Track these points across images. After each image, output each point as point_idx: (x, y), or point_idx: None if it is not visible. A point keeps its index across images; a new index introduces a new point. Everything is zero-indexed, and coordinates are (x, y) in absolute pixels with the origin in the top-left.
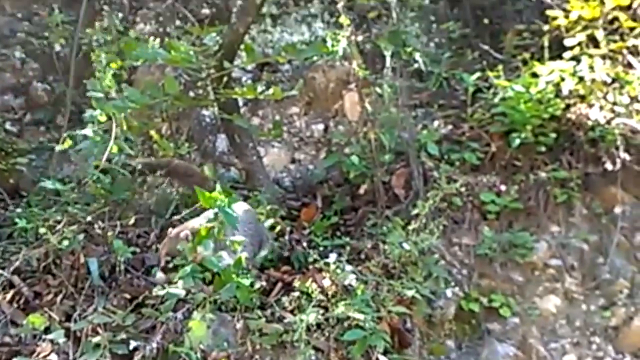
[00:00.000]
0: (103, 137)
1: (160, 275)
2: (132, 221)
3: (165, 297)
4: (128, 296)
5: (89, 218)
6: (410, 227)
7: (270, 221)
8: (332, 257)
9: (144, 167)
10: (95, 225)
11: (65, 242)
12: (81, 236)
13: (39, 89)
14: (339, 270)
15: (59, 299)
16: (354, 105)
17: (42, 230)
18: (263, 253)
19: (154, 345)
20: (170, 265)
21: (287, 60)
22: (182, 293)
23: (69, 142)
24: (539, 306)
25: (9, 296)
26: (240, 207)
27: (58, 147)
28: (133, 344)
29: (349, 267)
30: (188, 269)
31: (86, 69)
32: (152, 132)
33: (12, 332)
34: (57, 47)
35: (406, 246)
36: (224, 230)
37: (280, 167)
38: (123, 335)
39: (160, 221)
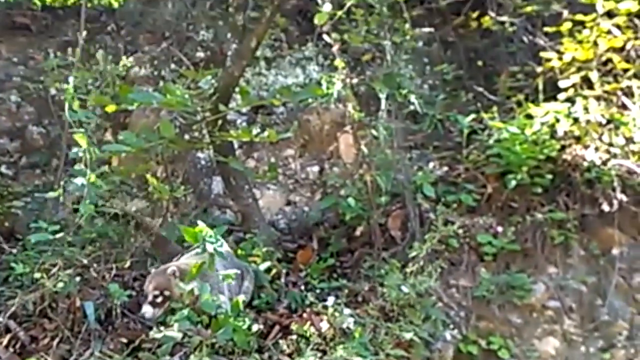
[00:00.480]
0: (96, 181)
1: (148, 308)
2: (127, 264)
3: (162, 341)
4: (125, 340)
5: (84, 261)
6: (407, 270)
7: (267, 264)
8: (331, 300)
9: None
10: (91, 269)
11: (61, 285)
12: (77, 279)
13: (35, 133)
14: (337, 313)
15: (55, 342)
16: (349, 147)
17: (37, 275)
18: (246, 284)
19: None
20: (159, 300)
21: (282, 102)
22: (179, 336)
23: (60, 191)
24: (537, 348)
25: (5, 341)
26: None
27: (50, 194)
28: None
29: (347, 310)
30: (185, 312)
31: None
32: (148, 176)
33: None
34: (53, 91)
35: (404, 289)
36: (213, 265)
37: (276, 210)
38: None
39: (156, 264)
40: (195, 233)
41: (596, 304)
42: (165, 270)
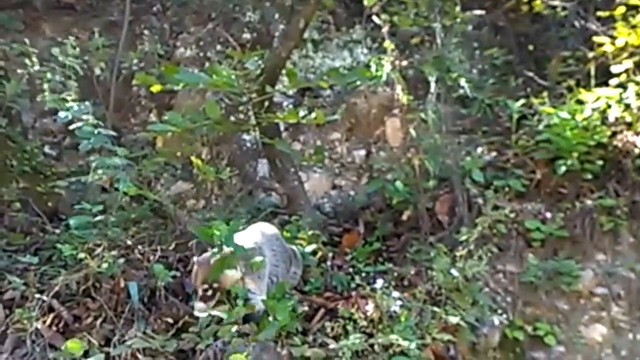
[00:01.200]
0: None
1: (200, 305)
2: (172, 246)
3: (206, 322)
4: (170, 320)
5: (128, 242)
6: (457, 254)
7: (313, 246)
8: (379, 282)
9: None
10: (135, 250)
11: (105, 266)
12: (121, 260)
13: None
14: (384, 296)
15: (98, 322)
16: (396, 132)
17: (81, 255)
18: (293, 269)
19: None
20: (209, 293)
21: (329, 85)
22: (224, 316)
23: (98, 173)
24: (584, 335)
25: (48, 320)
26: (262, 228)
27: (89, 178)
28: None
29: (395, 293)
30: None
31: (126, 92)
32: (193, 157)
33: (51, 356)
34: (97, 71)
35: (454, 272)
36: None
37: (321, 193)
38: None
39: (200, 245)
40: (208, 232)
41: None
42: (210, 260)
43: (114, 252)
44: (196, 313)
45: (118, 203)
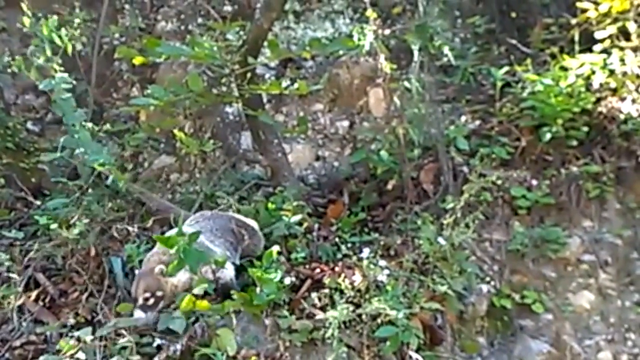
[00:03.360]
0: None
1: (139, 314)
2: (149, 223)
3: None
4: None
5: (110, 217)
6: (444, 222)
7: (298, 217)
8: (366, 251)
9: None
10: (115, 225)
11: (76, 232)
12: (99, 233)
13: (54, 108)
14: (371, 266)
15: (84, 297)
16: (379, 102)
17: (53, 226)
18: (245, 243)
19: (178, 347)
20: (150, 302)
21: (311, 56)
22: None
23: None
24: (572, 302)
25: (34, 295)
26: (206, 216)
27: (51, 155)
28: (158, 341)
29: (382, 262)
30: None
31: (108, 67)
32: (176, 130)
33: (38, 331)
34: (78, 46)
35: (441, 241)
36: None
37: (305, 165)
38: (149, 339)
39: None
40: (168, 240)
41: (632, 258)
42: (152, 270)
43: (86, 221)
44: (140, 324)
45: (90, 179)
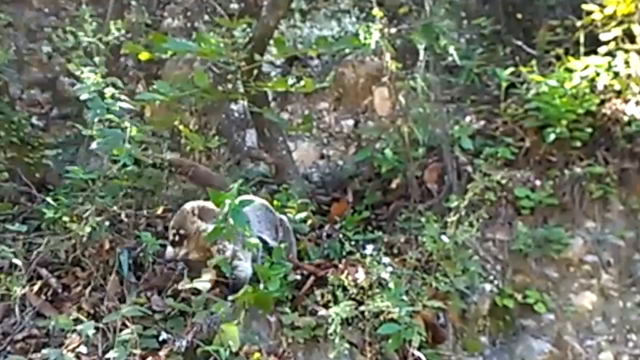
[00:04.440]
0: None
1: (169, 249)
2: (159, 211)
3: (195, 291)
4: (158, 287)
5: (115, 209)
6: (448, 220)
7: (303, 214)
8: (369, 248)
9: (168, 163)
10: (123, 216)
11: (88, 230)
12: (108, 225)
13: (66, 84)
14: (375, 263)
15: (87, 291)
16: (384, 101)
17: (65, 218)
18: (281, 234)
19: (184, 343)
20: (177, 238)
21: (317, 54)
22: (207, 286)
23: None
24: (574, 303)
25: (36, 288)
26: (249, 199)
27: (93, 145)
28: (163, 336)
29: (386, 259)
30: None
31: (113, 64)
32: (181, 127)
33: (40, 324)
34: (84, 42)
35: (445, 239)
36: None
37: (309, 163)
38: (154, 332)
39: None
40: (221, 197)
41: (634, 259)
42: (184, 209)
43: (100, 218)
44: (166, 256)
45: (113, 169)
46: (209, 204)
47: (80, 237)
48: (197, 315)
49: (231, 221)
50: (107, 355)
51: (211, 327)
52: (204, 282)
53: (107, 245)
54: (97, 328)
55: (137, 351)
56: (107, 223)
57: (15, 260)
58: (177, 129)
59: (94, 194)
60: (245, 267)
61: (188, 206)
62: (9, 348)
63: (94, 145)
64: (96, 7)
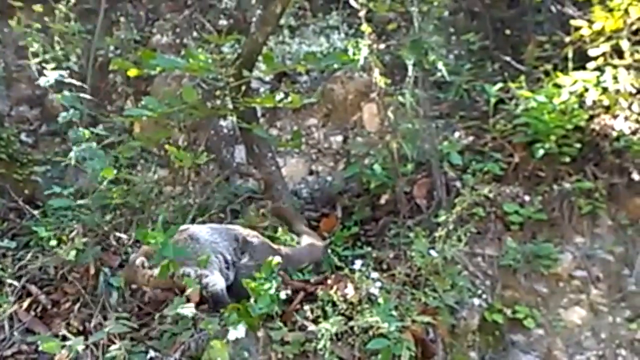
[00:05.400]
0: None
1: None
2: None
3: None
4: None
5: (105, 228)
6: (436, 234)
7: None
8: (358, 263)
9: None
10: (111, 235)
11: (73, 254)
12: (96, 245)
13: (55, 100)
14: (364, 277)
15: (76, 307)
16: (373, 117)
17: (52, 243)
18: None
19: None
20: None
21: (306, 70)
22: (192, 311)
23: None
24: (563, 318)
25: (25, 304)
26: (202, 230)
27: (67, 160)
28: (151, 354)
29: (374, 274)
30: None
31: (102, 80)
32: (167, 146)
33: (29, 340)
34: (73, 58)
35: (433, 253)
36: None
37: (298, 179)
38: (142, 348)
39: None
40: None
41: (623, 274)
42: (135, 261)
43: (85, 239)
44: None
45: (93, 187)
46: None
47: (67, 260)
48: (185, 334)
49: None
50: None
51: (199, 344)
52: (189, 308)
53: (92, 270)
54: (86, 345)
55: None
56: (94, 242)
57: (4, 277)
58: (166, 145)
59: (80, 213)
60: (215, 280)
61: (138, 261)
62: None
63: (71, 155)
64: (85, 24)
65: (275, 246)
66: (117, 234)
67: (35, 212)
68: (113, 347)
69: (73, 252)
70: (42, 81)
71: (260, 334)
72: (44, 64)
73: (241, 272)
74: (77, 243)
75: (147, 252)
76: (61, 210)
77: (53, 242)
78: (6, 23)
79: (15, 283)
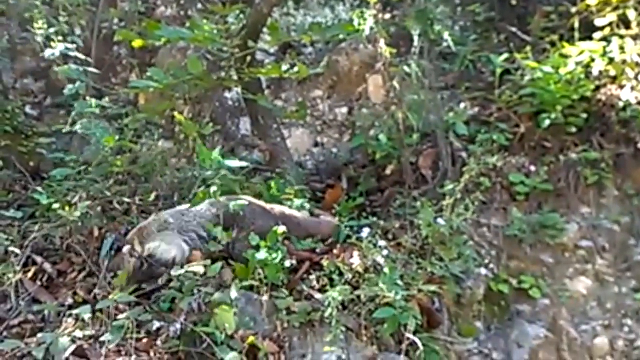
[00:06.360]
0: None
1: None
2: (152, 198)
3: (185, 279)
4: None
5: (108, 194)
6: (444, 203)
7: (300, 201)
8: (365, 231)
9: None
10: (115, 202)
11: (78, 214)
12: (101, 212)
13: (60, 73)
14: (371, 246)
15: (82, 276)
16: (378, 89)
17: (56, 206)
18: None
19: (178, 326)
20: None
21: (311, 42)
22: (201, 271)
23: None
24: (569, 288)
25: (30, 273)
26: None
27: (68, 127)
28: (156, 324)
29: (382, 242)
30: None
31: (106, 52)
32: (176, 114)
33: (36, 309)
34: (78, 31)
35: (441, 221)
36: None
37: (304, 151)
38: (148, 316)
39: (184, 202)
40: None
41: (629, 244)
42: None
43: (88, 202)
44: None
45: (98, 156)
46: (147, 225)
47: (71, 223)
48: (185, 299)
49: None
50: (102, 339)
51: (202, 306)
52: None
53: (96, 233)
54: (93, 312)
55: (133, 335)
56: (98, 209)
57: (11, 247)
58: (171, 117)
59: (85, 181)
60: (165, 248)
61: (124, 249)
62: (5, 333)
63: (77, 127)
64: None
65: (268, 206)
66: (122, 199)
67: (41, 184)
68: (120, 315)
69: (77, 214)
70: (47, 53)
71: (265, 303)
72: (48, 37)
73: (237, 245)
74: (81, 207)
75: (140, 232)
76: (66, 182)
77: (57, 206)
78: None
79: (21, 253)
